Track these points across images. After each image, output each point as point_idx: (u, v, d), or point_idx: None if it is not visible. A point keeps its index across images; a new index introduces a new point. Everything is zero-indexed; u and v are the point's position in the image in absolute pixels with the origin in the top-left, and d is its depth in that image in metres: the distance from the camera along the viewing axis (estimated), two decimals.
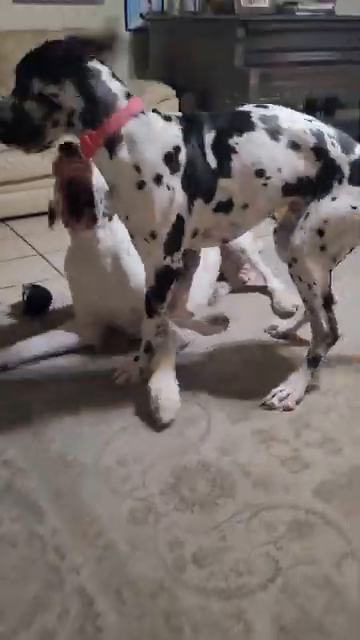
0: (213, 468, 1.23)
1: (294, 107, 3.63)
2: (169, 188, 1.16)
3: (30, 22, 3.49)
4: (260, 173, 1.19)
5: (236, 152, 1.19)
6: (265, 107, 1.32)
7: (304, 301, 1.43)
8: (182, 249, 1.30)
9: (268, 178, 1.22)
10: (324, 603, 0.88)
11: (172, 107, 3.25)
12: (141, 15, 3.71)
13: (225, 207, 1.24)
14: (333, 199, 1.24)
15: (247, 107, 1.33)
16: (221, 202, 1.22)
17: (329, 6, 3.57)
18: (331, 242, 1.28)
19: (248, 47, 3.10)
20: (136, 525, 1.07)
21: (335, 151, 1.23)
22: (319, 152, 1.22)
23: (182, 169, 1.20)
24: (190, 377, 1.59)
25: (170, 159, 1.18)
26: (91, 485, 1.21)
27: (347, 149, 1.25)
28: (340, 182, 1.24)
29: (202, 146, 1.22)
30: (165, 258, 1.25)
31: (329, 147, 1.23)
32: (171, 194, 1.18)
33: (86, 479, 1.20)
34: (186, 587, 0.93)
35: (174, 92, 3.28)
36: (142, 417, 1.43)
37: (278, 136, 1.20)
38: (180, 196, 1.19)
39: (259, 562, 0.97)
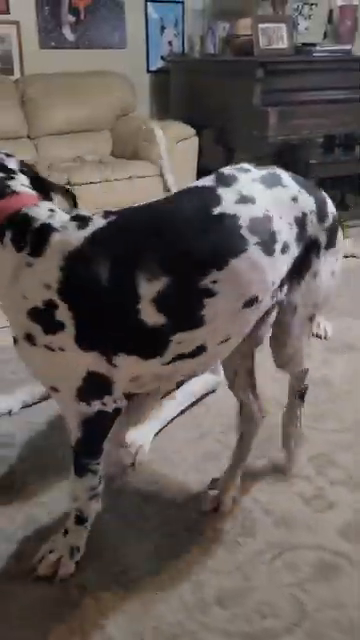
0: (234, 505, 1.22)
1: (313, 144, 3.62)
2: (52, 349, 0.85)
3: (56, 66, 3.56)
4: (250, 302, 0.91)
5: (213, 294, 0.85)
6: (241, 192, 0.94)
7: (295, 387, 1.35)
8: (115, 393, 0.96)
9: (259, 302, 0.95)
10: None
11: (192, 145, 3.42)
12: (162, 57, 3.85)
13: (191, 354, 0.93)
14: (315, 275, 1.10)
15: (224, 197, 0.91)
16: (182, 353, 0.91)
17: (347, 47, 3.65)
18: (317, 314, 1.22)
19: (267, 87, 3.17)
20: (159, 563, 1.05)
21: (313, 228, 1.06)
22: (301, 237, 1.03)
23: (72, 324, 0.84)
24: (208, 414, 1.61)
25: (41, 316, 0.85)
26: (115, 522, 1.19)
27: (322, 217, 1.09)
28: (318, 255, 1.09)
29: (130, 295, 0.84)
30: (89, 404, 0.92)
31: (309, 227, 1.04)
32: (58, 356, 0.87)
33: (110, 516, 1.17)
34: (209, 630, 0.91)
35: (194, 131, 3.40)
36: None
37: (274, 246, 0.92)
38: (79, 357, 0.87)
39: (284, 604, 0.96)
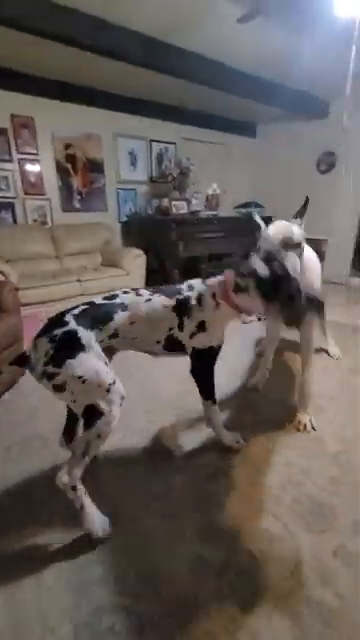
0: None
1: (202, 258, 4.43)
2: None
3: (71, 220, 3.87)
4: None
5: None
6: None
7: None
8: None
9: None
10: None
11: (143, 259, 3.74)
12: (126, 216, 4.34)
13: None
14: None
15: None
16: None
17: (215, 212, 4.22)
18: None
19: (178, 231, 3.60)
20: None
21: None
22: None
23: None
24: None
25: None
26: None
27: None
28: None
29: None
30: None
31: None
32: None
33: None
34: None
35: (143, 252, 3.74)
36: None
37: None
38: None
39: None
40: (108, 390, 1.02)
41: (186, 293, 1.23)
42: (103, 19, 2.45)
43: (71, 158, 3.86)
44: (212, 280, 1.22)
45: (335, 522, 1.17)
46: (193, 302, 1.21)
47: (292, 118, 4.74)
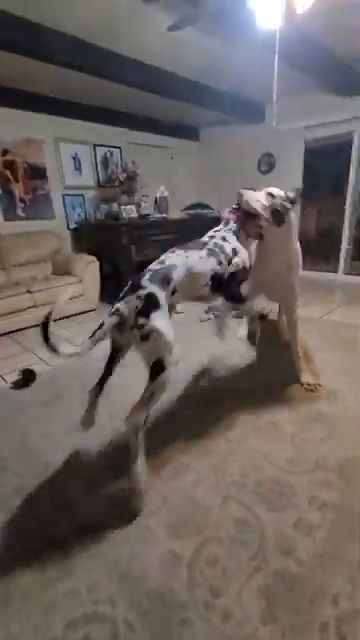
0: None
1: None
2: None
3: (17, 229, 3.74)
4: None
5: None
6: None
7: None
8: None
9: None
10: None
11: (96, 265, 3.72)
12: (75, 222, 4.28)
13: None
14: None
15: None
16: None
17: (164, 215, 4.24)
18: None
19: (128, 235, 3.69)
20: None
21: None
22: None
23: None
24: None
25: None
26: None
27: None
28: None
29: None
30: None
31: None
32: None
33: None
34: None
35: (95, 258, 3.74)
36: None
37: None
38: None
39: None
40: (171, 350, 1.20)
41: (212, 240, 1.59)
42: (32, 21, 2.40)
43: (10, 164, 3.75)
44: (232, 223, 1.70)
45: (294, 499, 1.25)
46: (220, 242, 1.59)
47: (232, 121, 4.96)
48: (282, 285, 1.81)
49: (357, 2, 2.23)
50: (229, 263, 1.54)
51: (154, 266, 1.36)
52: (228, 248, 1.56)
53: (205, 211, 4.48)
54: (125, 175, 4.13)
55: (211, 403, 1.89)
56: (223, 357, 2.39)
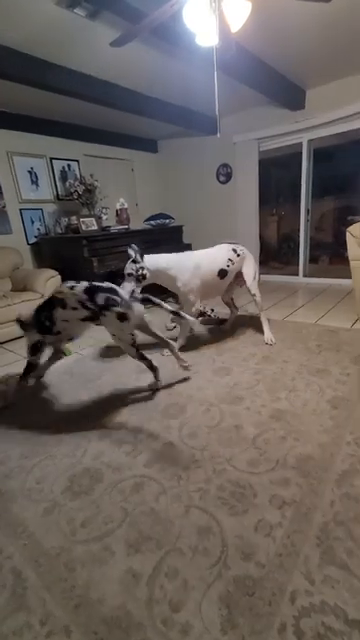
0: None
1: (120, 273, 4.37)
2: None
3: None
4: None
5: None
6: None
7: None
8: None
9: None
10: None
11: (57, 279, 3.61)
12: (35, 236, 4.27)
13: None
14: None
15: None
16: None
17: (126, 226, 4.19)
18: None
19: (89, 248, 3.63)
20: (47, 516, 1.50)
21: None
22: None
23: None
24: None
25: None
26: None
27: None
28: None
29: None
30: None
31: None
32: None
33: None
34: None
35: (57, 272, 3.65)
36: None
37: None
38: None
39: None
40: None
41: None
42: None
43: None
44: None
45: (255, 500, 1.25)
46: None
47: (188, 134, 5.07)
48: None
49: (288, 7, 2.33)
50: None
51: None
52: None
53: (167, 221, 4.52)
54: (83, 188, 4.10)
55: (175, 410, 1.87)
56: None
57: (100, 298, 1.68)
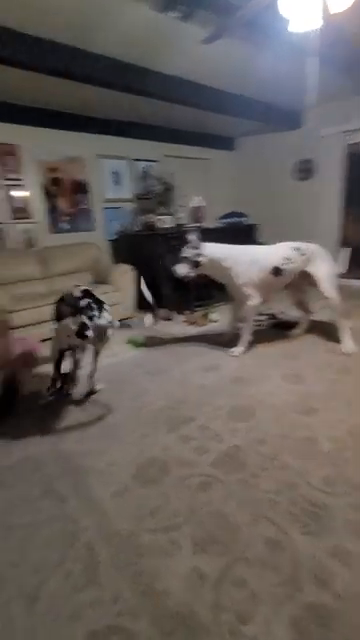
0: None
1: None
2: None
3: (59, 242, 3.90)
4: None
5: None
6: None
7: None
8: None
9: None
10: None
11: (131, 273, 3.75)
12: (115, 233, 4.35)
13: None
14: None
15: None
16: None
17: (199, 224, 4.07)
18: None
19: (164, 245, 3.65)
20: (118, 498, 1.42)
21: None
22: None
23: None
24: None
25: None
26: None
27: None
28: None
29: None
30: None
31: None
32: None
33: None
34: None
35: (131, 267, 3.79)
36: None
37: None
38: None
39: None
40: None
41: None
42: (78, 48, 2.55)
43: (56, 181, 3.95)
44: None
45: (331, 522, 1.15)
46: None
47: (267, 130, 4.88)
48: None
49: None
50: None
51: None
52: None
53: (241, 219, 4.41)
54: (162, 187, 4.19)
55: (243, 413, 1.82)
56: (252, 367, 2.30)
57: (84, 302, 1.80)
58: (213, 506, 1.24)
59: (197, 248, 2.34)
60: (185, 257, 2.37)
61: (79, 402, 2.07)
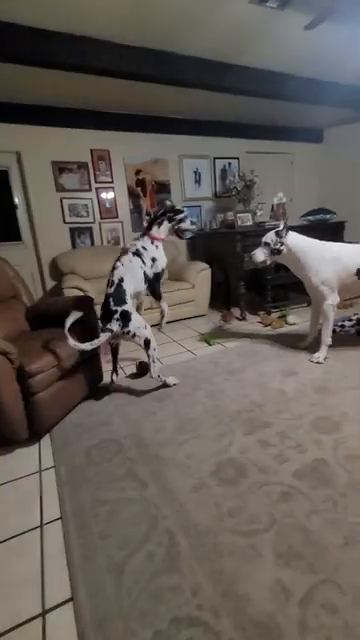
0: (236, 461, 1.39)
1: (268, 270, 4.18)
2: None
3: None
4: None
5: None
6: None
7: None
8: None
9: None
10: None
11: (208, 272, 3.81)
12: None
13: None
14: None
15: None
16: None
17: (280, 222, 4.27)
18: None
19: (242, 243, 3.54)
20: (195, 492, 1.26)
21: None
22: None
23: None
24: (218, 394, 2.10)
25: None
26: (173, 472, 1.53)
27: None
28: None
29: None
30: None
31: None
32: None
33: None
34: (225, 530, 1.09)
35: (208, 265, 3.86)
36: None
37: None
38: None
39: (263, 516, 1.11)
40: (145, 327, 2.13)
41: (134, 248, 2.24)
42: (163, 50, 2.61)
43: (141, 182, 4.14)
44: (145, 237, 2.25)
45: None
46: (141, 250, 2.24)
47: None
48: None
49: None
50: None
51: (109, 290, 1.99)
52: (148, 255, 2.14)
53: (328, 216, 4.09)
54: (242, 184, 4.11)
55: (327, 424, 1.68)
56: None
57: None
58: (296, 519, 1.17)
59: (282, 237, 2.24)
60: (266, 243, 2.29)
61: (154, 393, 2.14)
